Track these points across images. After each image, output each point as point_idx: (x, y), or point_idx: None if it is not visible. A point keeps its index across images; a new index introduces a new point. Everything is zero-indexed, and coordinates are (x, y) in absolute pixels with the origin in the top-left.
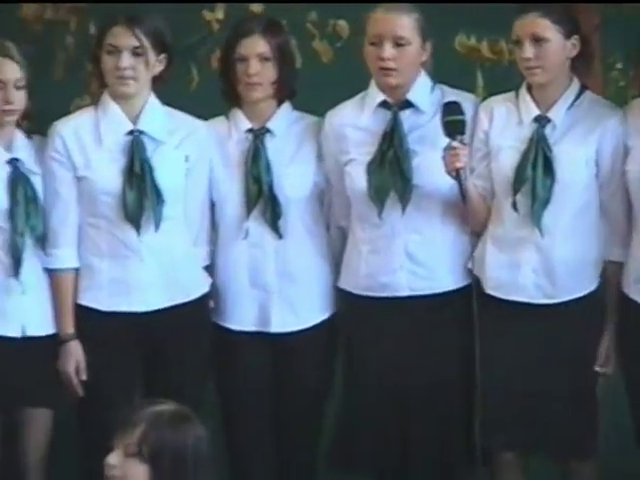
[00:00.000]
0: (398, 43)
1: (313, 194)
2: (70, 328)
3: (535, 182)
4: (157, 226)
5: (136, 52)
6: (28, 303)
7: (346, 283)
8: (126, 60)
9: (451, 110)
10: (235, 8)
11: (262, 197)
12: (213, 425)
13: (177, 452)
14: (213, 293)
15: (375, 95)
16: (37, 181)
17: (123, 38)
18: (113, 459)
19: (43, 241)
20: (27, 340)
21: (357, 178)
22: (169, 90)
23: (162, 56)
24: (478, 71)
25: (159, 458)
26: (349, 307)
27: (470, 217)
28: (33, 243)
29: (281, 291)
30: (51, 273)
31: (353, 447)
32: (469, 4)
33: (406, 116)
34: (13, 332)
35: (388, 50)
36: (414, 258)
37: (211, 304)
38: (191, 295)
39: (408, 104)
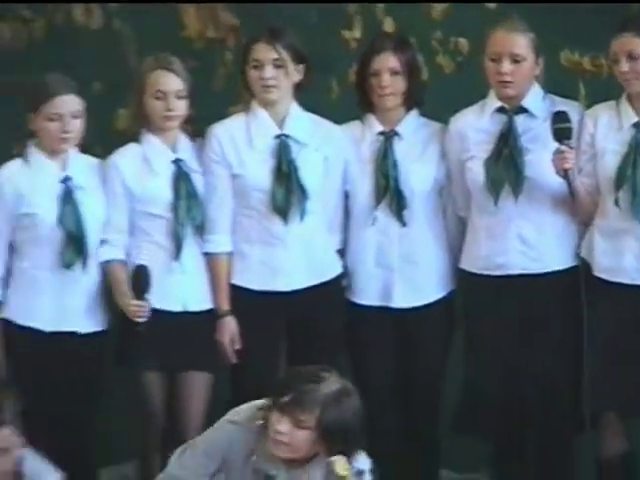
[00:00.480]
0: (515, 60)
1: (434, 189)
2: (225, 305)
3: (635, 181)
4: (302, 218)
5: (277, 64)
6: (188, 283)
7: (466, 263)
8: (268, 71)
9: (560, 118)
10: (370, 28)
11: (389, 191)
12: None
13: (345, 426)
14: (346, 273)
15: (493, 102)
16: (198, 178)
17: (265, 52)
18: (283, 427)
19: (201, 230)
20: (187, 314)
21: (476, 172)
22: (313, 100)
23: (300, 66)
24: (580, 82)
25: (330, 432)
26: (468, 284)
27: (578, 210)
28: (193, 232)
29: (403, 271)
30: (208, 257)
31: (475, 415)
32: (573, 25)
33: (520, 120)
34: (175, 307)
35: (506, 66)
36: (526, 242)
37: (344, 283)
38: (327, 276)
39: (522, 110)
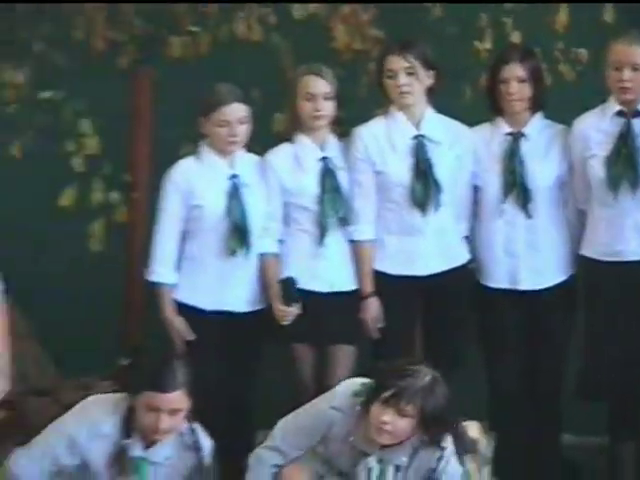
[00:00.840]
0: (635, 68)
1: (555, 184)
2: (369, 287)
3: None
4: (436, 209)
5: (409, 72)
6: (333, 266)
7: (587, 250)
8: (402, 79)
9: None
10: (499, 40)
11: (516, 186)
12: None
13: (440, 410)
14: (474, 258)
15: (613, 106)
16: (342, 175)
17: (397, 63)
18: (387, 417)
19: (344, 221)
20: (334, 294)
21: (597, 169)
22: (448, 104)
23: (430, 72)
24: None
25: (428, 418)
26: (588, 269)
27: None
28: (336, 222)
29: (528, 257)
30: (353, 244)
31: (595, 384)
32: None
33: (638, 122)
34: (323, 288)
35: (627, 74)
36: None
37: (472, 266)
38: (458, 261)
39: (639, 114)
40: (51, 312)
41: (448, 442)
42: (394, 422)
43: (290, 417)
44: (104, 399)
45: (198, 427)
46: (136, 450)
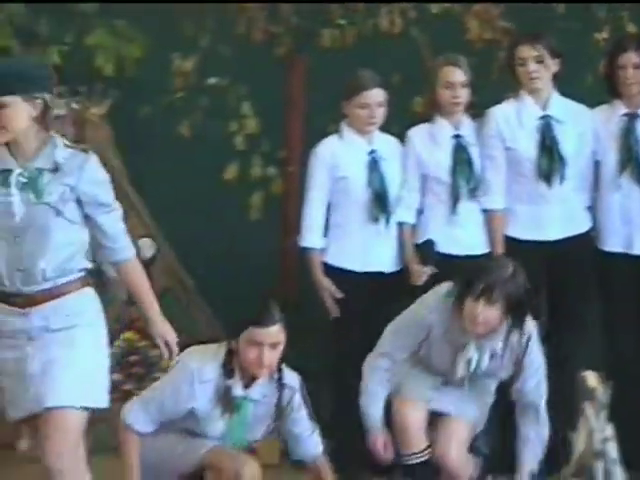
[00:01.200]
0: None
1: None
2: (501, 251)
3: None
4: (561, 182)
5: (537, 60)
6: (467, 232)
7: None
8: (532, 66)
9: None
10: (616, 31)
11: (631, 161)
12: None
13: (523, 295)
14: (594, 227)
15: None
16: (474, 151)
17: (527, 52)
18: (479, 308)
19: (475, 191)
20: (468, 257)
21: None
22: (571, 88)
23: (556, 60)
24: None
25: (513, 303)
26: None
27: None
28: (468, 193)
29: None
30: (486, 213)
31: None
32: None
33: None
34: (458, 251)
35: None
36: None
37: (592, 234)
38: (581, 229)
39: None
40: (214, 273)
41: (531, 326)
42: (485, 312)
43: (395, 322)
44: (203, 349)
45: (284, 366)
46: (237, 390)
